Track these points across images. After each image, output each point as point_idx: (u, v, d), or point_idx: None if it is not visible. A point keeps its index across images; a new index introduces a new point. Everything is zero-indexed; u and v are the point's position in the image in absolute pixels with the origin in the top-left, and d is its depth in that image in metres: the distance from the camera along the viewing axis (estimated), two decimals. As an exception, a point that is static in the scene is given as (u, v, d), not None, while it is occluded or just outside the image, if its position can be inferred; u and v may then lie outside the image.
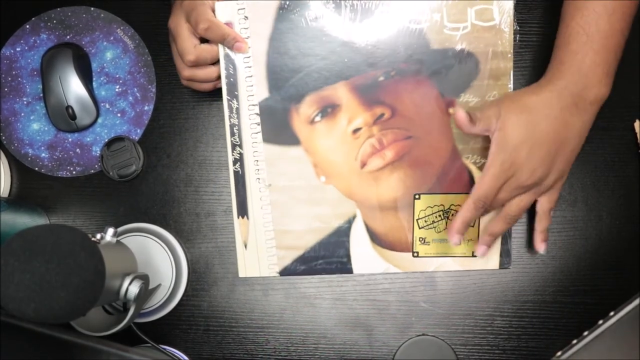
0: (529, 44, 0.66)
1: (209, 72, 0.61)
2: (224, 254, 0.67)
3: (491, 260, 0.65)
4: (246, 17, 0.59)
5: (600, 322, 0.46)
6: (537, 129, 0.54)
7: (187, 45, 0.58)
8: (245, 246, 0.65)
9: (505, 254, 0.64)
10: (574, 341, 0.47)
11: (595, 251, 0.66)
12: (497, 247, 0.64)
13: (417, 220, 0.64)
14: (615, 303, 0.46)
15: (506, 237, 0.64)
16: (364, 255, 0.65)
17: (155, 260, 0.66)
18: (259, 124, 0.62)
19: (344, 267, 0.65)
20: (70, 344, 0.49)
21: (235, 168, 0.64)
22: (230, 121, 0.62)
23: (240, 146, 0.63)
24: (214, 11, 0.59)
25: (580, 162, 0.66)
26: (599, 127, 0.66)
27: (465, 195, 0.62)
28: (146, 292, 0.57)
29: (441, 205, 0.64)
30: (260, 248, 0.65)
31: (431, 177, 0.63)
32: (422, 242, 0.64)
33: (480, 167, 0.62)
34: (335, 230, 0.64)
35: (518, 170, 0.55)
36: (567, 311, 0.65)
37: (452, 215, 0.64)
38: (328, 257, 0.65)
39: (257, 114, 0.62)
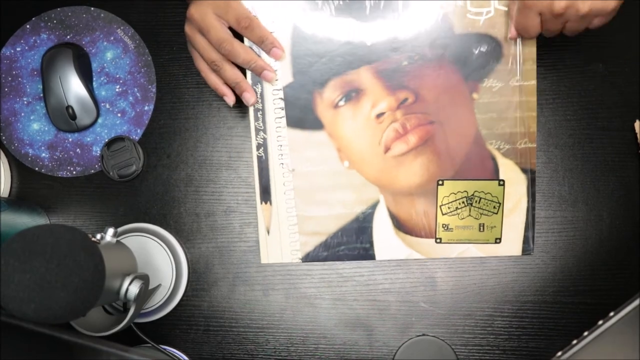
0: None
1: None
2: (224, 254, 0.67)
3: (514, 246, 0.64)
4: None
5: (600, 322, 0.46)
6: None
7: (223, 35, 0.57)
8: (268, 232, 0.65)
9: (527, 241, 0.64)
10: (574, 341, 0.47)
11: (595, 251, 0.66)
12: (520, 233, 0.64)
13: (440, 206, 0.64)
14: (615, 303, 0.46)
15: (528, 223, 0.64)
16: (387, 242, 0.64)
17: (155, 260, 0.66)
18: (283, 109, 0.62)
19: (367, 253, 0.65)
20: (70, 344, 0.49)
21: (259, 153, 0.63)
22: (254, 106, 0.62)
23: (264, 131, 0.63)
24: None
25: (580, 162, 0.66)
26: (599, 127, 0.66)
27: (489, 181, 0.62)
28: (146, 292, 0.57)
29: (465, 191, 0.63)
30: (282, 234, 0.65)
31: (455, 162, 0.63)
32: (445, 228, 0.64)
33: (505, 153, 0.62)
34: (358, 216, 0.64)
35: None
36: (567, 311, 0.65)
37: (476, 201, 0.64)
38: (351, 243, 0.65)
39: (281, 98, 0.62)
